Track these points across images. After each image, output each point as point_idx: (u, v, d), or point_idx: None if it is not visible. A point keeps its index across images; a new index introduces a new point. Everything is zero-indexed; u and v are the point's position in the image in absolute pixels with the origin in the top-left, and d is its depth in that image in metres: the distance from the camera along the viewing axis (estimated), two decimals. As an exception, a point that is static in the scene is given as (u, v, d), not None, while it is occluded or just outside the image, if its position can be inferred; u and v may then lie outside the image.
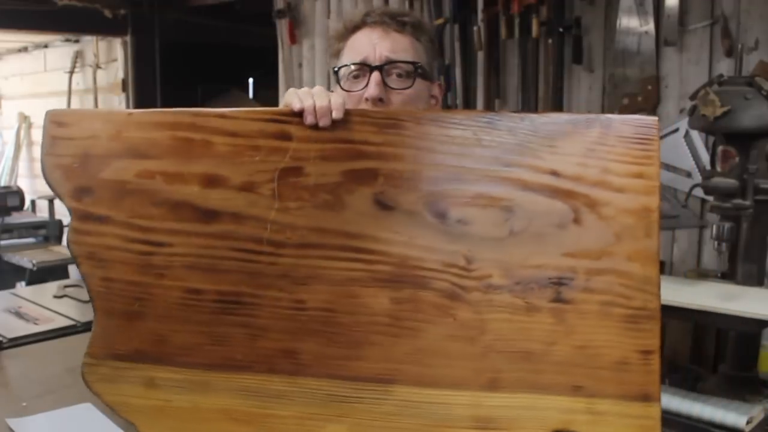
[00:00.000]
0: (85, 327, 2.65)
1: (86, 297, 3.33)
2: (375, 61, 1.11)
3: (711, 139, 1.95)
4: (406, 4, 2.73)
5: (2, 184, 5.10)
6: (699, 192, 1.84)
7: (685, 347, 1.99)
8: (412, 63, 1.12)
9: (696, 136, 2.10)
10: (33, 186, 5.28)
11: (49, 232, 4.45)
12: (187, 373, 0.88)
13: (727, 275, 1.78)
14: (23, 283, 3.95)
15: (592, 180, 0.89)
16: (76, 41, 4.65)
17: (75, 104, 4.69)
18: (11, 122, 5.45)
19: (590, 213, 0.88)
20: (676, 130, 2.14)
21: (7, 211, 4.41)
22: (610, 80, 2.27)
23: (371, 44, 1.12)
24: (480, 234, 0.88)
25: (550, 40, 2.34)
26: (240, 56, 4.88)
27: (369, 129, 0.88)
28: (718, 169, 1.70)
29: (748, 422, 1.48)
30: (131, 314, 0.89)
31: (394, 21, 1.13)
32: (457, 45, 2.60)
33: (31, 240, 4.41)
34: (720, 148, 1.71)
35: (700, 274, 1.99)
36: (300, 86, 3.46)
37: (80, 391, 2.05)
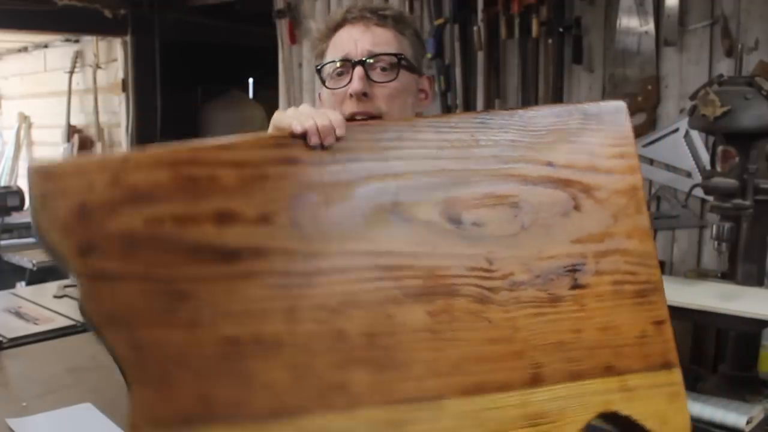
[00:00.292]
0: (85, 327, 2.66)
1: (86, 297, 3.29)
2: (357, 56, 1.09)
3: (711, 139, 1.95)
4: (407, 4, 2.74)
5: (2, 184, 5.09)
6: (699, 192, 1.84)
7: (685, 347, 1.98)
8: (395, 55, 1.10)
9: (696, 136, 2.10)
10: (33, 186, 5.27)
11: (49, 232, 4.44)
12: (241, 428, 0.79)
13: (727, 275, 1.79)
14: (23, 283, 3.94)
15: (583, 166, 0.94)
16: (76, 41, 4.65)
17: (75, 104, 4.69)
18: (11, 122, 5.45)
19: (587, 198, 0.93)
20: (676, 130, 2.14)
21: (7, 211, 4.41)
22: (610, 80, 2.27)
23: (353, 40, 1.10)
24: (495, 233, 0.89)
25: (550, 40, 2.34)
26: (240, 56, 4.88)
27: (371, 143, 0.87)
28: (718, 169, 1.70)
29: (748, 422, 1.48)
30: (169, 377, 0.78)
31: (374, 15, 1.12)
32: (457, 45, 2.60)
33: (31, 240, 4.40)
34: (720, 148, 1.71)
35: (700, 274, 1.99)
36: (300, 86, 3.47)
37: (80, 391, 2.06)
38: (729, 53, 2.02)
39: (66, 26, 4.13)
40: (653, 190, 2.22)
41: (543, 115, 0.94)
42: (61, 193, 0.77)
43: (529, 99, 2.43)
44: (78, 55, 4.65)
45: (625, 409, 0.93)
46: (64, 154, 4.71)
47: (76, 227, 0.77)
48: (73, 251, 0.77)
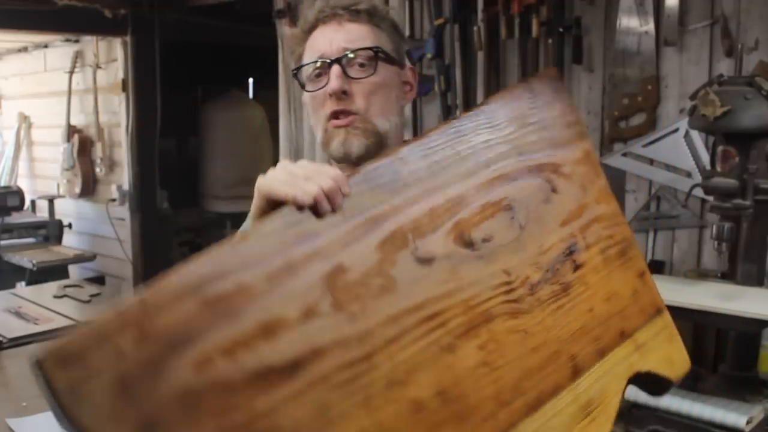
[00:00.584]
0: (85, 327, 2.66)
1: (86, 297, 3.35)
2: (332, 55, 1.06)
3: (711, 139, 1.95)
4: (407, 4, 2.74)
5: (2, 184, 5.10)
6: (699, 192, 1.84)
7: (685, 347, 1.98)
8: (371, 48, 1.06)
9: (696, 136, 2.10)
10: (33, 186, 5.28)
11: (49, 232, 4.45)
12: None
13: (727, 275, 1.79)
14: (23, 283, 3.95)
15: (546, 145, 0.97)
16: (76, 41, 4.65)
17: (75, 104, 4.69)
18: (11, 122, 5.44)
19: (558, 177, 0.96)
20: (676, 130, 2.14)
21: (7, 211, 4.41)
22: (610, 80, 2.27)
23: (327, 39, 1.07)
24: (502, 242, 0.89)
25: (550, 40, 2.34)
26: (240, 56, 4.89)
27: (370, 189, 0.83)
28: (718, 169, 1.70)
29: (748, 422, 1.48)
30: None
31: (347, 11, 1.08)
32: (457, 45, 2.60)
33: (31, 240, 4.41)
34: (720, 148, 1.71)
35: (700, 274, 1.99)
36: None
37: (80, 391, 2.06)
38: (729, 53, 2.02)
39: (66, 26, 4.13)
40: (653, 190, 2.22)
41: (500, 105, 0.95)
42: (90, 376, 0.64)
43: (529, 99, 2.42)
44: (78, 55, 4.65)
45: (643, 366, 0.98)
46: (64, 153, 4.71)
47: (124, 409, 0.64)
48: None
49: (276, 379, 0.71)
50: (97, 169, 4.65)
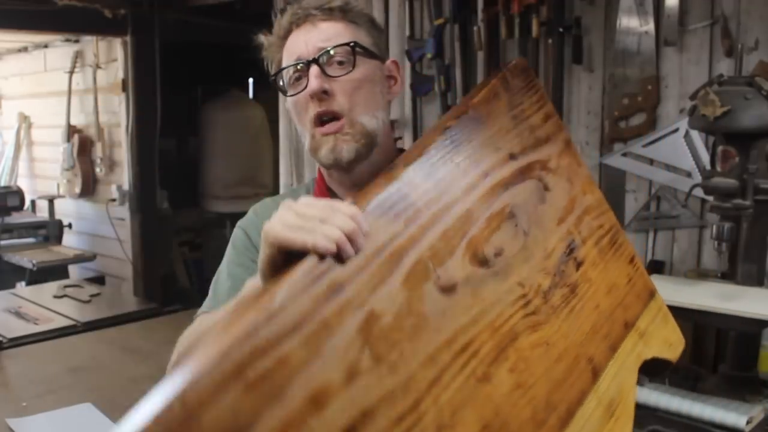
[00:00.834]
0: (85, 327, 2.66)
1: (86, 297, 3.36)
2: (309, 56, 1.03)
3: (711, 139, 1.95)
4: (406, 4, 2.74)
5: (2, 184, 5.10)
6: (699, 192, 1.84)
7: (685, 347, 1.98)
8: (347, 44, 1.03)
9: (696, 136, 2.10)
10: (33, 186, 5.28)
11: (49, 232, 4.45)
12: None
13: (727, 275, 1.79)
14: (23, 283, 3.95)
15: (531, 142, 0.96)
16: (76, 41, 4.65)
17: (75, 104, 4.69)
18: (11, 122, 5.44)
19: (547, 174, 0.96)
20: (676, 130, 2.14)
21: (7, 211, 4.41)
22: (610, 80, 2.27)
23: (302, 41, 1.05)
24: (512, 253, 0.88)
25: (550, 40, 2.34)
26: (240, 56, 4.87)
27: (383, 219, 0.78)
28: (718, 169, 1.70)
29: (748, 422, 1.48)
30: None
31: (319, 11, 1.07)
32: (457, 45, 2.60)
33: (31, 240, 4.41)
34: (720, 148, 1.71)
35: (700, 274, 1.99)
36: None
37: (80, 391, 2.06)
38: (729, 53, 2.02)
39: (66, 26, 4.13)
40: (653, 190, 2.22)
41: (483, 106, 0.93)
42: None
43: (529, 99, 2.43)
44: (78, 55, 4.65)
45: (648, 353, 0.99)
46: (64, 153, 4.71)
47: None
48: None
49: None
50: (97, 169, 4.65)
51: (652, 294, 1.04)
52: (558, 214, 0.94)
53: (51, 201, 4.57)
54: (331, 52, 1.03)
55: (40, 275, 3.90)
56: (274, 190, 4.26)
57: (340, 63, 1.03)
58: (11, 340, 2.47)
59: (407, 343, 0.75)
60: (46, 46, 4.94)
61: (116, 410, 1.88)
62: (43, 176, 5.21)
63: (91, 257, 4.35)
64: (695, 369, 1.84)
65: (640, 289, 1.02)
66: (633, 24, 2.20)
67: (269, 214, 1.15)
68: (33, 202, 4.84)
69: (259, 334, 0.65)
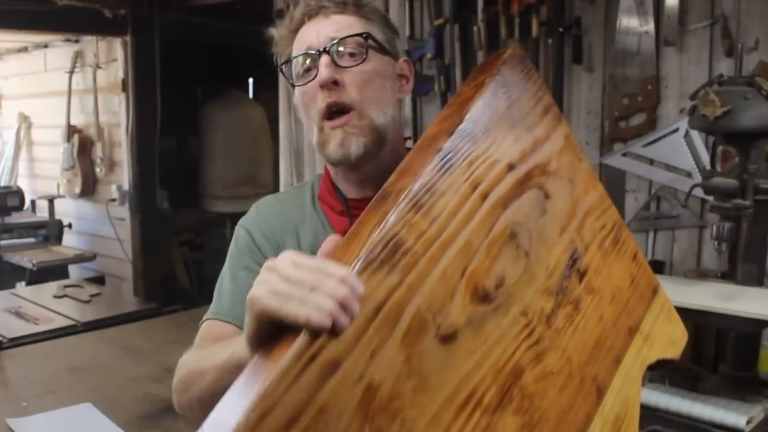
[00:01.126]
0: (85, 327, 2.66)
1: (86, 297, 3.36)
2: (320, 46, 1.00)
3: (711, 139, 1.95)
4: (407, 4, 2.74)
5: (2, 184, 5.10)
6: (699, 192, 1.84)
7: (685, 347, 1.98)
8: (360, 34, 1.01)
9: (696, 136, 2.10)
10: (33, 186, 5.28)
11: (49, 232, 4.45)
12: None
13: (727, 275, 1.78)
14: (23, 283, 3.95)
15: (530, 147, 0.88)
16: (76, 41, 4.65)
17: (75, 104, 4.69)
18: (11, 122, 5.44)
19: (547, 178, 0.89)
20: (676, 130, 2.14)
21: (7, 211, 4.42)
22: (610, 80, 2.27)
23: (314, 32, 1.02)
24: (514, 280, 0.82)
25: (550, 40, 2.34)
26: (240, 56, 4.88)
27: (378, 273, 0.70)
28: (718, 169, 1.70)
29: (748, 422, 1.48)
30: None
31: (333, 3, 1.04)
32: (457, 45, 2.60)
33: (31, 240, 4.41)
34: (720, 148, 1.71)
35: (700, 274, 1.99)
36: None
37: (80, 391, 2.06)
38: (729, 53, 2.02)
39: (66, 26, 4.13)
40: (653, 190, 2.22)
41: (479, 112, 0.83)
42: None
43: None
44: (78, 55, 4.65)
45: (653, 356, 0.96)
46: (64, 153, 4.71)
47: None
48: None
49: None
50: (97, 169, 4.65)
51: (655, 290, 1.00)
52: (560, 223, 0.89)
53: (51, 201, 4.57)
54: (343, 42, 1.00)
55: (40, 275, 3.90)
56: (274, 190, 4.26)
57: (352, 55, 1.01)
58: (11, 340, 2.47)
59: (409, 410, 0.71)
60: (46, 46, 4.94)
61: (116, 410, 1.89)
62: (43, 176, 5.21)
63: (91, 257, 4.35)
64: (695, 369, 1.84)
65: (643, 288, 0.98)
66: (633, 24, 2.20)
67: (272, 212, 1.14)
68: (33, 202, 4.85)
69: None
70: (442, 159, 0.78)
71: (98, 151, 4.61)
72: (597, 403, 0.87)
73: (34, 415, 1.84)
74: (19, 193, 4.56)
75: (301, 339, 0.64)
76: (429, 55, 2.64)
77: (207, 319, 1.06)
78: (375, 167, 1.02)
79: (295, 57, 1.04)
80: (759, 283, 1.73)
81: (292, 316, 0.64)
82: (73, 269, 4.41)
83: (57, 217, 4.56)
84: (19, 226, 4.39)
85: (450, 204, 0.77)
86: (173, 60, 4.28)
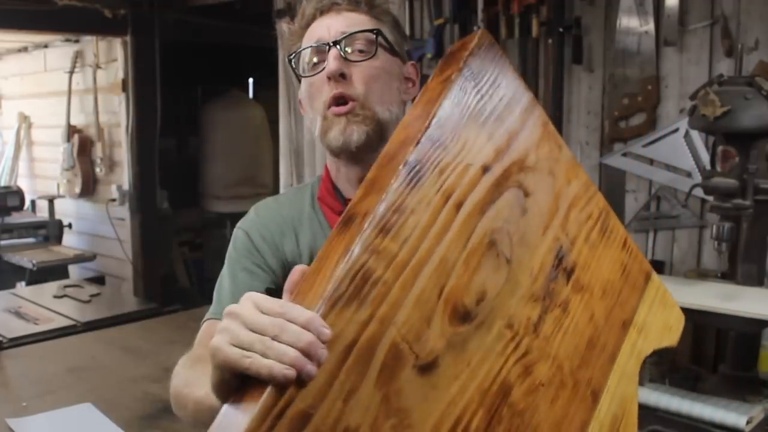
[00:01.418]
0: (85, 327, 2.66)
1: (86, 297, 3.35)
2: (330, 39, 1.01)
3: (711, 139, 1.95)
4: (407, 4, 2.74)
5: (2, 184, 5.10)
6: (699, 192, 1.84)
7: (685, 347, 1.99)
8: (371, 30, 1.01)
9: (696, 136, 2.10)
10: (33, 186, 5.28)
11: (49, 232, 4.45)
12: None
13: (727, 275, 1.79)
14: (23, 283, 3.95)
15: (505, 143, 0.81)
16: (76, 41, 4.65)
17: (75, 104, 4.69)
18: (11, 122, 5.44)
19: (526, 175, 0.83)
20: (676, 130, 2.14)
21: (7, 211, 4.42)
22: (610, 80, 2.27)
23: (325, 27, 1.04)
24: (496, 292, 0.76)
25: (550, 40, 2.34)
26: (240, 56, 4.89)
27: (348, 309, 0.64)
28: (718, 169, 1.70)
29: (748, 422, 1.48)
30: None
31: (344, 0, 1.05)
32: (457, 45, 2.60)
33: (31, 240, 4.41)
34: (720, 148, 1.71)
35: (700, 274, 1.99)
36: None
37: (80, 391, 2.06)
38: (729, 53, 2.02)
39: (66, 26, 4.13)
40: (653, 190, 2.22)
41: (446, 113, 0.76)
42: None
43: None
44: (78, 55, 4.65)
45: (648, 347, 0.93)
46: (64, 153, 4.71)
47: None
48: None
49: None
50: (97, 169, 4.65)
51: (648, 276, 0.96)
52: (543, 221, 0.83)
53: (51, 201, 4.57)
54: (353, 37, 1.01)
55: (40, 275, 3.90)
56: (274, 190, 4.26)
57: (361, 51, 1.02)
58: (11, 340, 2.46)
59: None
60: (46, 46, 4.94)
61: (116, 410, 1.89)
62: (43, 176, 5.21)
63: (91, 257, 4.35)
64: (695, 369, 1.84)
65: (635, 277, 0.94)
66: (633, 24, 2.20)
67: (270, 214, 1.14)
68: (33, 202, 4.84)
69: None
70: (410, 173, 0.71)
71: (98, 151, 4.61)
72: (592, 407, 0.84)
73: (34, 415, 1.84)
74: (19, 193, 4.56)
75: (267, 395, 0.59)
76: (429, 55, 2.64)
77: (207, 320, 1.06)
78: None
79: (305, 49, 1.04)
80: (759, 283, 1.73)
81: (253, 370, 0.60)
82: (73, 269, 4.41)
83: (57, 217, 4.56)
84: (19, 226, 4.39)
85: (421, 221, 0.71)
86: (173, 60, 4.28)
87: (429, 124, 0.74)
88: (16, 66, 5.37)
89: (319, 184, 1.13)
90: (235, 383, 0.63)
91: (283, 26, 1.11)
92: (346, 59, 1.00)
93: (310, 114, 1.07)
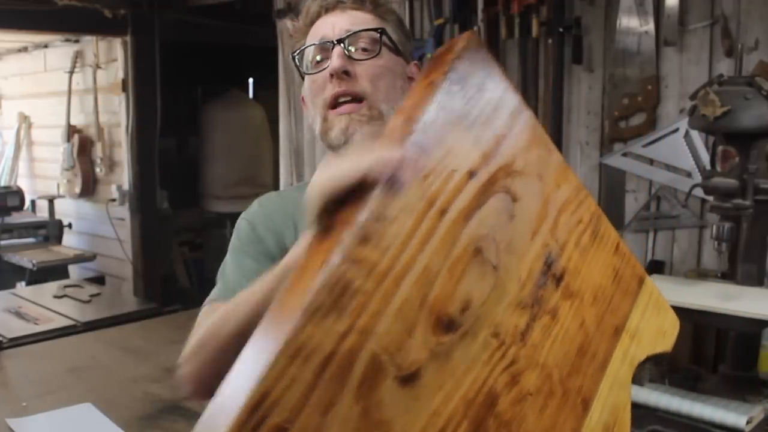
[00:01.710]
0: (85, 327, 2.66)
1: (86, 297, 3.36)
2: (334, 37, 1.01)
3: (711, 139, 1.95)
4: (407, 4, 2.74)
5: (2, 184, 5.10)
6: (699, 192, 1.84)
7: (685, 347, 1.99)
8: (375, 29, 1.02)
9: (696, 136, 2.10)
10: (33, 186, 5.28)
11: (49, 232, 4.46)
12: None
13: (727, 275, 1.79)
14: (23, 283, 3.95)
15: (492, 147, 0.79)
16: (76, 41, 4.65)
17: (75, 104, 4.69)
18: (11, 122, 5.44)
19: (513, 179, 0.80)
20: (676, 130, 2.14)
21: (7, 211, 4.42)
22: (610, 80, 2.27)
23: (329, 24, 1.04)
24: (482, 300, 0.74)
25: (550, 40, 2.34)
26: (240, 56, 4.89)
27: (323, 321, 0.63)
28: (718, 169, 1.70)
29: (748, 422, 1.48)
30: None
31: (350, 0, 1.05)
32: (457, 45, 2.60)
33: (31, 240, 4.41)
34: (720, 148, 1.71)
35: (700, 274, 1.99)
36: (300, 86, 3.47)
37: (80, 391, 2.07)
38: (729, 53, 2.02)
39: (66, 26, 4.13)
40: (653, 190, 2.22)
41: (431, 117, 0.73)
42: None
43: (528, 99, 2.43)
44: (78, 55, 4.65)
45: (642, 353, 0.91)
46: (64, 153, 4.71)
47: None
48: None
49: None
50: (97, 169, 4.65)
51: (641, 281, 0.94)
52: (531, 226, 0.81)
53: (51, 201, 4.57)
54: (358, 35, 1.01)
55: (40, 275, 3.90)
56: (274, 190, 4.26)
57: (365, 50, 1.01)
58: (11, 340, 2.47)
59: None
60: (46, 46, 4.94)
61: (116, 410, 1.89)
62: (43, 176, 5.22)
63: (91, 257, 4.35)
64: (695, 369, 1.84)
65: (628, 282, 0.92)
66: (633, 24, 2.20)
67: (274, 207, 1.14)
68: (33, 202, 4.85)
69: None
70: (392, 179, 0.69)
71: (98, 151, 4.61)
72: (583, 416, 0.83)
73: (34, 415, 1.84)
74: (19, 193, 4.56)
75: (240, 411, 0.57)
76: (429, 55, 2.64)
77: (209, 303, 1.04)
78: None
79: (308, 46, 1.04)
80: (759, 283, 1.73)
81: (355, 174, 0.66)
82: (73, 269, 4.41)
83: (57, 217, 4.56)
84: (19, 226, 4.39)
85: (404, 228, 0.69)
86: (173, 60, 4.28)
87: (412, 129, 0.72)
88: (16, 66, 5.37)
89: None
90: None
91: (288, 23, 1.11)
92: (350, 57, 1.00)
93: (311, 111, 1.07)
